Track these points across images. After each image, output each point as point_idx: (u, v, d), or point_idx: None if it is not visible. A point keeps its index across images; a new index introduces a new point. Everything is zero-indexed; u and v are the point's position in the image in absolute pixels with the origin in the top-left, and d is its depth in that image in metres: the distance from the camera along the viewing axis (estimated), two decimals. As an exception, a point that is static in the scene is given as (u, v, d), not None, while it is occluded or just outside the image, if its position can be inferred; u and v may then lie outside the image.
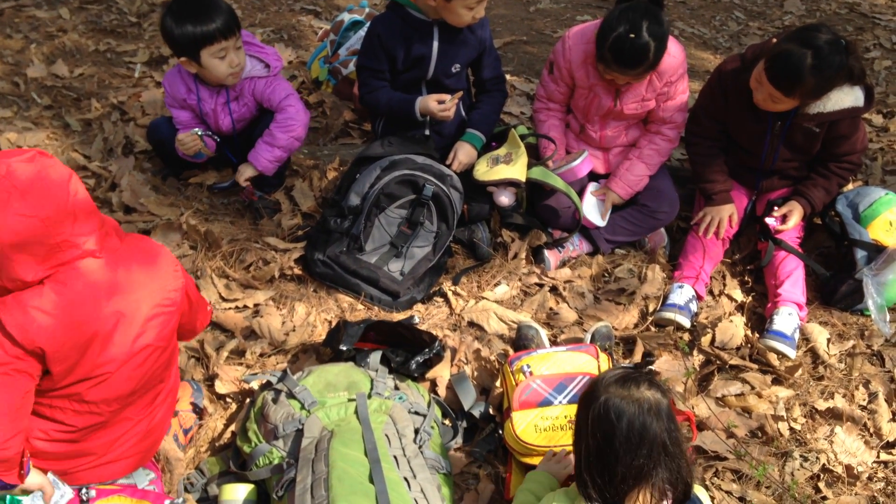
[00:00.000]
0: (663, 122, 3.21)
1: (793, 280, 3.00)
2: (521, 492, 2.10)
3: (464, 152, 3.21)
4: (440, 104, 3.08)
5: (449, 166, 3.14)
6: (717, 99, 3.12)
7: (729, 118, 3.13)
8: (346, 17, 4.03)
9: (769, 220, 3.10)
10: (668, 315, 2.91)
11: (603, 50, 2.90)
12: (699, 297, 3.04)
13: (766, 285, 3.11)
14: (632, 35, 2.81)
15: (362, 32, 3.92)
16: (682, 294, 2.99)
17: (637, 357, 2.78)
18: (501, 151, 3.19)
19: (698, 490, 1.86)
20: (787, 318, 2.88)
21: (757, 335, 2.92)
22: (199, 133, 3.14)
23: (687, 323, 2.92)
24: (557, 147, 3.22)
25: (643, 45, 2.82)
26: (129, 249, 2.00)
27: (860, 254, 3.04)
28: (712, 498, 2.32)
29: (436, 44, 3.10)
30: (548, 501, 1.89)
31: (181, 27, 2.91)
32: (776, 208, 3.13)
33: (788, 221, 3.09)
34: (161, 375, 2.15)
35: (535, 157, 3.27)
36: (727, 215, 3.15)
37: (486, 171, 3.12)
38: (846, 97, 2.88)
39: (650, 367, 1.77)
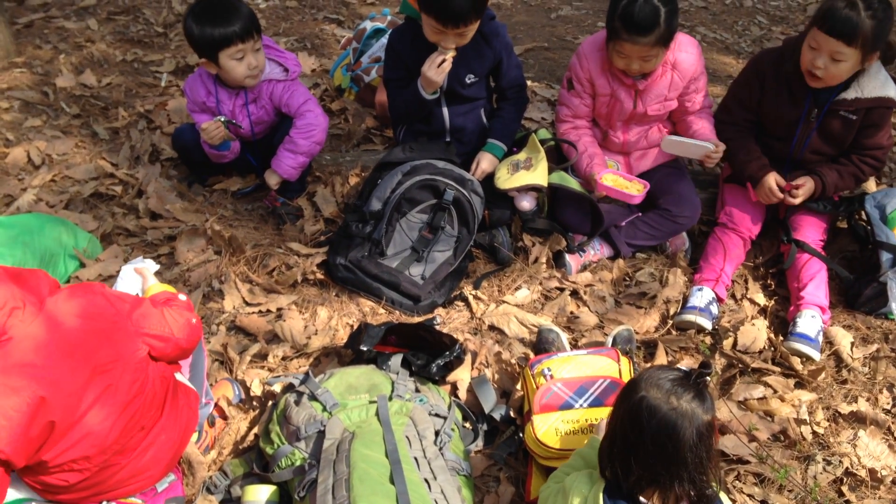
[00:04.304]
0: (701, 110, 3.25)
1: (816, 283, 2.98)
2: (575, 455, 2.11)
3: (486, 161, 3.22)
4: (430, 65, 2.99)
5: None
6: (752, 86, 3.11)
7: (764, 104, 3.11)
8: (369, 25, 4.07)
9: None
10: (689, 317, 2.91)
11: (613, 21, 2.90)
12: (720, 300, 3.04)
13: (788, 289, 3.09)
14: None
15: (384, 40, 3.96)
16: (701, 297, 2.98)
17: (658, 362, 2.77)
18: (521, 156, 3.20)
19: (722, 497, 1.86)
20: (810, 321, 2.86)
21: (781, 338, 2.91)
22: (223, 119, 3.18)
23: (708, 325, 2.91)
24: (596, 159, 3.21)
25: (653, 8, 2.82)
26: (51, 321, 1.82)
27: (885, 256, 3.01)
28: (733, 501, 2.31)
29: None
30: (570, 482, 1.91)
31: (201, 29, 2.99)
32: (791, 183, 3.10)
33: (796, 194, 3.06)
34: (155, 404, 2.07)
35: (556, 161, 3.28)
36: (773, 182, 3.09)
37: (507, 179, 3.13)
38: (885, 86, 2.90)
39: (705, 377, 1.74)
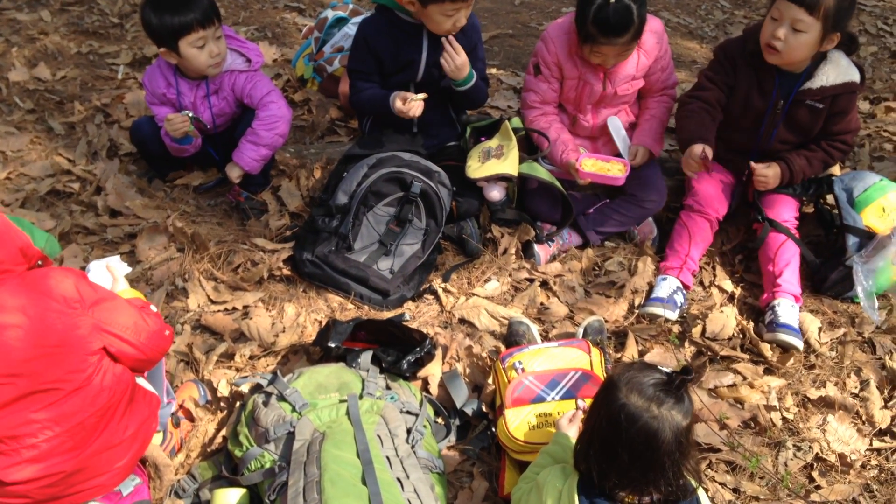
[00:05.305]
0: (662, 90, 3.26)
1: (791, 270, 2.98)
2: (542, 454, 2.10)
3: (462, 58, 3.01)
4: (403, 103, 2.99)
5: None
6: (726, 69, 3.07)
7: (735, 92, 3.07)
8: (330, 14, 4.00)
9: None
10: (651, 310, 2.91)
11: (586, 27, 2.88)
12: (686, 287, 3.04)
13: (760, 269, 3.09)
14: (612, 1, 2.80)
15: (346, 29, 3.90)
16: (665, 287, 2.98)
17: (629, 352, 2.77)
18: (492, 144, 3.17)
19: (700, 493, 1.87)
20: (790, 310, 2.87)
21: (752, 324, 2.91)
22: (191, 115, 3.10)
23: (672, 315, 2.91)
24: (570, 145, 3.18)
25: (625, 7, 2.81)
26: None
27: (851, 240, 3.03)
28: (706, 489, 2.31)
29: (425, 46, 3.07)
30: (544, 477, 1.91)
31: (159, 17, 2.92)
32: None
33: (760, 175, 3.03)
34: (100, 402, 2.01)
35: (526, 150, 3.25)
36: (698, 150, 2.96)
37: (477, 168, 3.10)
38: (847, 71, 2.91)
39: (686, 381, 1.71)
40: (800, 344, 2.79)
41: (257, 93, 3.18)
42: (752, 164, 3.05)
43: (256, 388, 2.41)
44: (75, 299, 1.91)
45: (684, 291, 3.02)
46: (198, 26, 2.92)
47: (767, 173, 3.04)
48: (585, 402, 2.26)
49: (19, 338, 1.82)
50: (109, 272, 2.37)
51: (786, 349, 2.83)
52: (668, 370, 1.75)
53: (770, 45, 2.84)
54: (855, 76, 2.93)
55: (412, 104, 2.98)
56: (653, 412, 1.67)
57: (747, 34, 3.02)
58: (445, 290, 3.02)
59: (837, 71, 2.91)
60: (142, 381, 2.24)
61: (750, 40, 2.96)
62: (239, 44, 3.18)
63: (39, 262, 1.98)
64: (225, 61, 3.11)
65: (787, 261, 3.00)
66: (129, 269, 2.41)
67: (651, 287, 3.04)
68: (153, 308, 2.19)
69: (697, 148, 2.97)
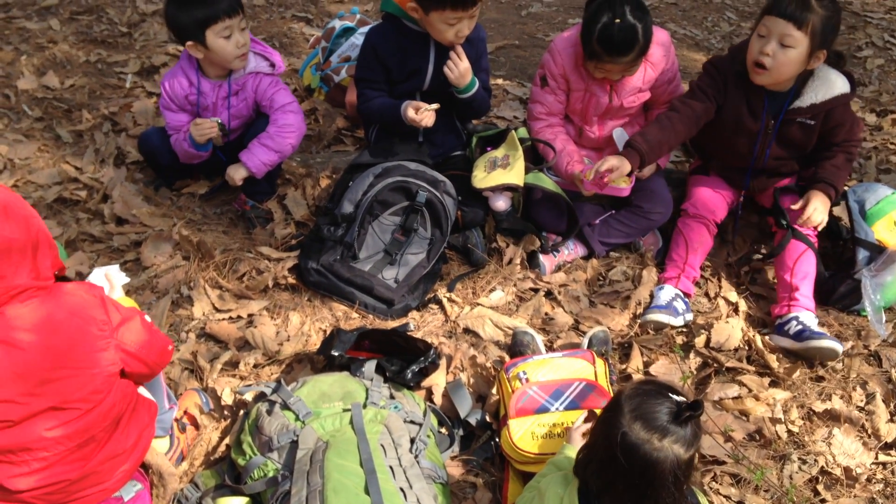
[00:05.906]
0: (669, 102, 3.23)
1: (808, 284, 2.94)
2: (549, 464, 2.08)
3: (465, 65, 3.04)
4: (416, 112, 3.02)
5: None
6: (717, 84, 3.04)
7: (724, 109, 3.05)
8: (338, 24, 4.03)
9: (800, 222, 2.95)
10: (651, 317, 2.90)
11: (591, 45, 2.89)
12: (687, 294, 3.03)
13: (774, 276, 3.06)
14: (617, 21, 2.82)
15: (354, 39, 3.92)
16: (663, 295, 2.98)
17: (634, 363, 2.76)
18: (499, 153, 3.17)
19: (701, 498, 1.86)
20: (815, 321, 2.86)
21: (758, 336, 2.89)
22: (219, 121, 3.12)
23: (673, 321, 2.90)
24: (575, 156, 3.18)
25: (630, 27, 2.82)
26: (17, 320, 1.77)
27: (862, 253, 3.02)
28: (711, 503, 2.30)
29: (433, 55, 3.08)
30: (546, 484, 1.91)
31: (185, 10, 2.95)
32: (797, 208, 2.95)
33: (815, 216, 2.89)
34: (111, 416, 2.00)
35: (531, 160, 3.25)
36: (616, 164, 2.90)
37: (483, 178, 3.10)
38: (835, 84, 2.89)
39: (693, 417, 1.66)
40: (841, 349, 2.76)
41: (280, 98, 3.20)
42: (805, 217, 2.89)
43: (260, 397, 2.41)
44: (104, 322, 1.89)
45: (685, 299, 3.01)
46: (224, 15, 2.96)
47: (816, 208, 2.89)
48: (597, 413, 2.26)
49: (40, 356, 1.80)
50: (108, 281, 2.37)
51: (819, 358, 2.79)
52: (678, 399, 1.68)
53: (758, 61, 2.82)
54: (844, 87, 2.91)
55: (425, 114, 3.00)
56: (654, 444, 1.63)
57: (734, 53, 3.00)
58: (450, 300, 3.02)
59: (826, 86, 2.89)
60: (140, 389, 2.24)
61: (737, 60, 2.95)
62: (262, 48, 3.21)
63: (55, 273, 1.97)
64: (249, 61, 3.14)
65: (806, 274, 2.95)
66: (128, 280, 2.41)
67: (651, 297, 3.04)
68: (147, 318, 2.19)
69: (616, 162, 2.90)
